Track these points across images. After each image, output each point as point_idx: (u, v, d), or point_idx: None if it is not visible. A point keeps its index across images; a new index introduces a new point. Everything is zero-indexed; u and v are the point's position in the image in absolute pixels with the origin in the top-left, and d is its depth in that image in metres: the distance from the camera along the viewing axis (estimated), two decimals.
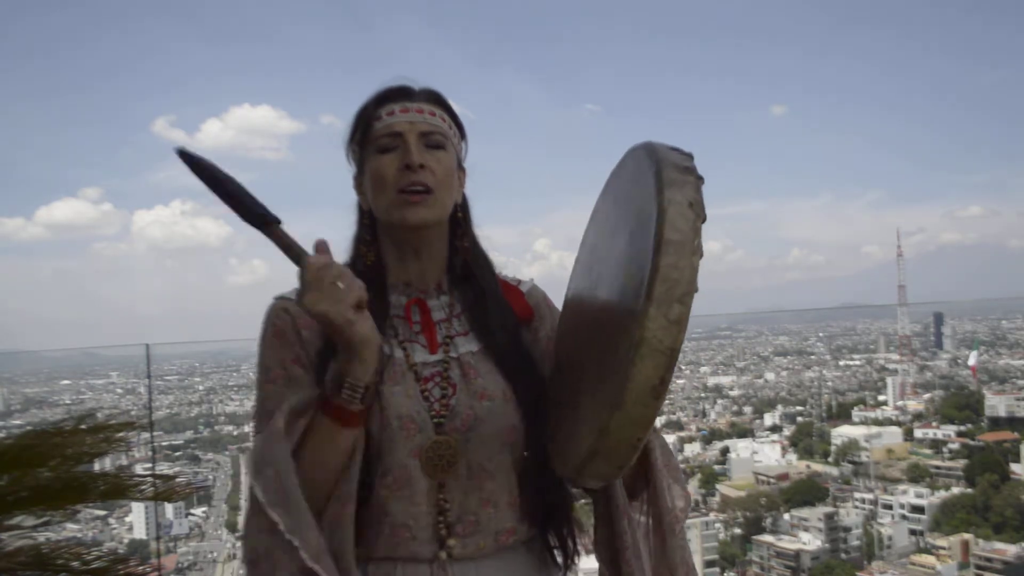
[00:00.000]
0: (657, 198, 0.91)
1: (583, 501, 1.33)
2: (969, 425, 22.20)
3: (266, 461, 1.04)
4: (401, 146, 1.19)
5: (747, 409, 27.60)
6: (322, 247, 1.08)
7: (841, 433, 24.24)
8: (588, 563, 1.33)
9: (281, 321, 1.20)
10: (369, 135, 1.21)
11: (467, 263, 1.29)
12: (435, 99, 1.25)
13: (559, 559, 1.28)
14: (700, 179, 0.94)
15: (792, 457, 25.18)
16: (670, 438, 25.48)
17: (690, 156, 0.97)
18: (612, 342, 0.98)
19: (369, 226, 1.26)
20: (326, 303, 1.01)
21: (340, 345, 1.05)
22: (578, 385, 1.09)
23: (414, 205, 1.18)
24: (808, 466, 24.62)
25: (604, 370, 0.98)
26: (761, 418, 26.96)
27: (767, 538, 23.19)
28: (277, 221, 1.09)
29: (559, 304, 1.35)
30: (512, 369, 1.23)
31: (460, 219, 1.28)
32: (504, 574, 1.18)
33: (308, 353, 1.18)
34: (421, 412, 1.16)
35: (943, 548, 20.25)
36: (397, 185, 1.18)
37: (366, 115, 1.23)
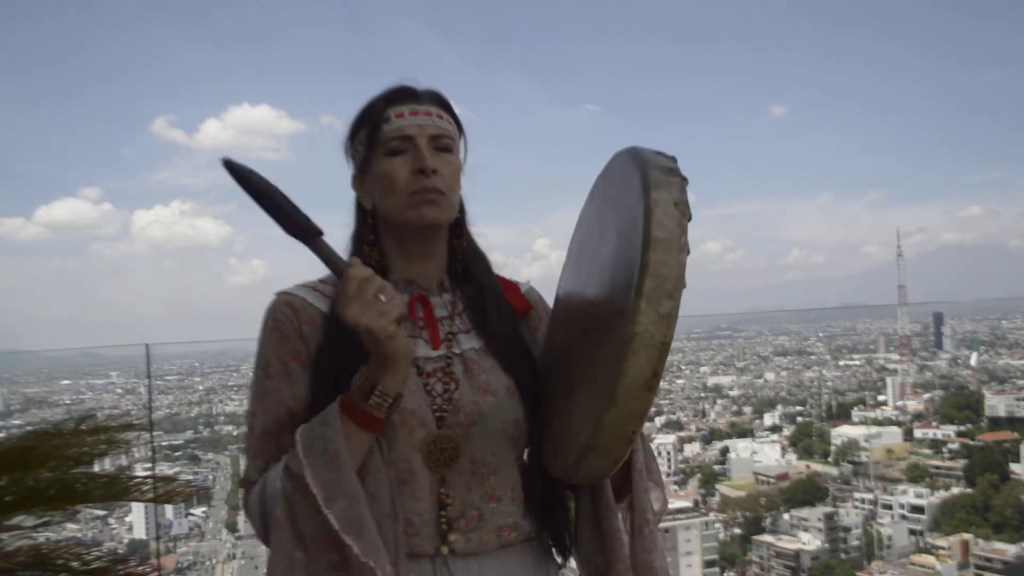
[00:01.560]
0: (644, 199, 0.94)
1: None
2: (969, 425, 22.22)
3: (338, 490, 1.03)
4: (412, 149, 1.20)
5: (747, 409, 27.62)
6: (357, 263, 1.08)
7: (841, 433, 24.26)
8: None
9: (283, 316, 1.21)
10: (377, 136, 1.22)
11: (466, 261, 1.30)
12: (440, 101, 1.26)
13: (557, 556, 1.28)
14: (684, 180, 0.97)
15: (792, 457, 25.21)
16: (670, 438, 25.53)
17: (673, 159, 1.00)
18: (603, 339, 0.99)
19: (371, 225, 1.27)
20: (369, 316, 1.02)
21: (377, 356, 1.05)
22: (569, 383, 1.11)
23: (429, 204, 1.19)
24: (808, 466, 24.64)
25: (596, 366, 1.00)
26: (761, 418, 26.98)
27: (767, 538, 23.21)
28: (320, 233, 1.09)
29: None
30: (514, 365, 1.24)
31: (458, 219, 1.29)
32: (506, 570, 1.18)
33: (308, 349, 1.19)
34: (423, 407, 1.16)
35: (943, 548, 20.27)
36: (409, 188, 1.19)
37: (374, 116, 1.23)
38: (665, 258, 0.91)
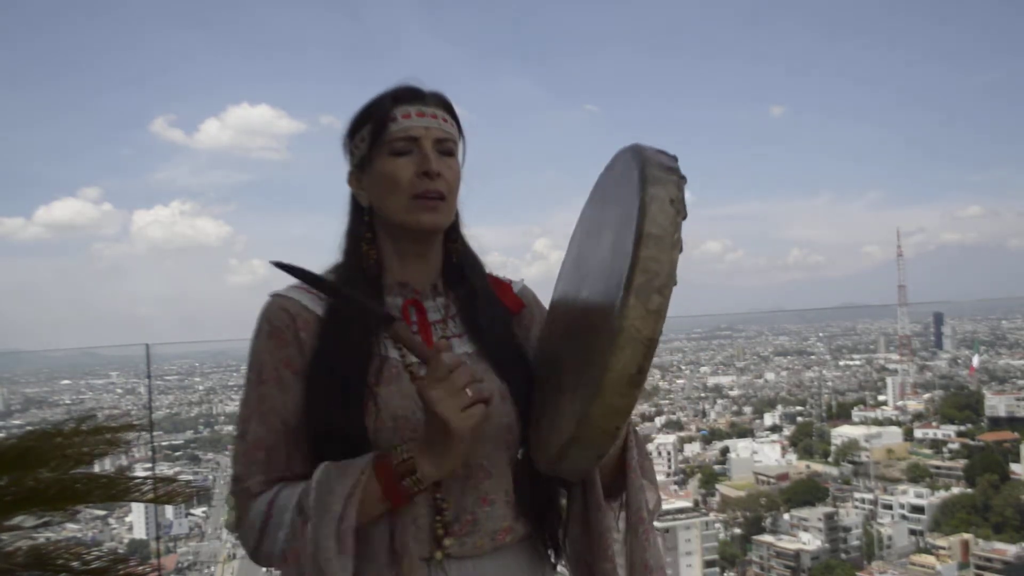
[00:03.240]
0: (640, 194, 0.94)
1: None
2: (969, 425, 22.21)
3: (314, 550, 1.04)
4: (416, 151, 1.20)
5: (747, 409, 27.61)
6: (445, 346, 1.08)
7: (841, 433, 24.25)
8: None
9: (279, 320, 1.20)
10: (383, 135, 1.21)
11: (460, 264, 1.30)
12: (444, 104, 1.26)
13: (552, 557, 1.28)
14: (683, 179, 0.97)
15: (792, 457, 25.20)
16: (670, 438, 25.54)
17: (674, 158, 1.01)
18: (593, 334, 1.00)
19: (368, 223, 1.26)
20: (450, 408, 1.02)
21: (434, 442, 1.05)
22: (560, 377, 1.11)
23: (431, 210, 1.20)
24: (808, 466, 24.63)
25: (585, 361, 1.00)
26: (761, 418, 26.97)
27: (767, 538, 23.19)
28: (395, 319, 1.10)
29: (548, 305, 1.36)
30: (507, 369, 1.24)
31: (453, 222, 1.29)
32: (501, 571, 1.18)
33: (303, 354, 1.19)
34: (416, 412, 1.15)
35: (943, 548, 20.25)
36: (412, 190, 1.19)
37: (380, 113, 1.22)
38: (657, 254, 0.91)
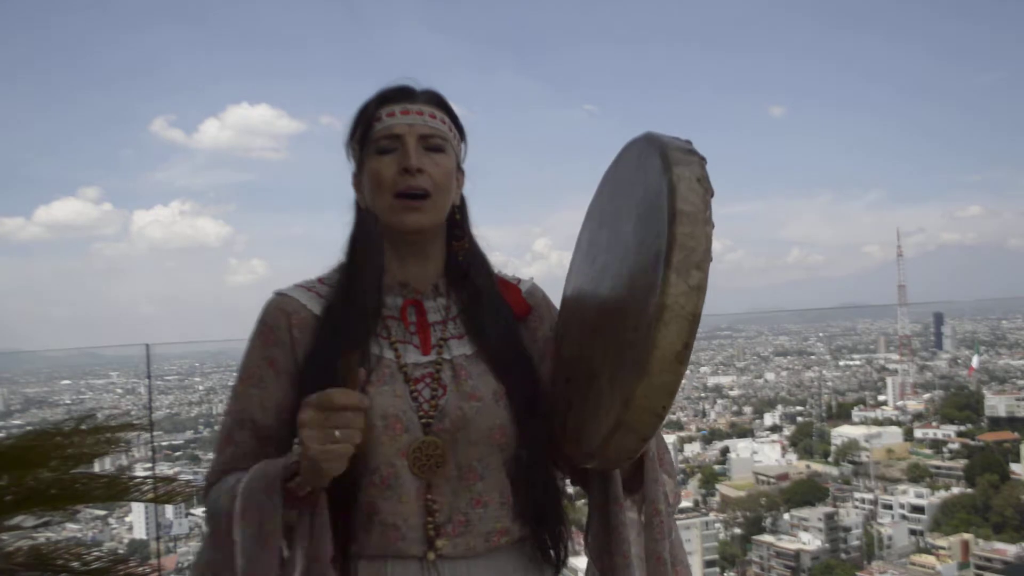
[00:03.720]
0: (666, 174, 0.95)
1: (581, 500, 1.33)
2: (969, 425, 22.20)
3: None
4: (400, 148, 1.19)
5: (747, 409, 27.60)
6: (355, 380, 1.02)
7: (841, 433, 24.24)
8: (579, 562, 1.32)
9: (272, 319, 1.21)
10: (369, 135, 1.21)
11: (464, 264, 1.29)
12: (436, 100, 1.25)
13: (551, 558, 1.27)
14: (703, 159, 0.98)
15: (792, 457, 25.19)
16: (670, 438, 25.50)
17: (689, 142, 1.01)
18: (629, 317, 0.99)
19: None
20: (311, 438, 0.98)
21: (305, 462, 1.02)
22: (590, 370, 1.10)
23: (411, 211, 1.19)
24: (808, 466, 24.62)
25: (623, 344, 0.99)
26: (761, 418, 26.96)
27: (767, 538, 23.18)
28: (350, 352, 1.05)
29: (558, 304, 1.35)
30: (505, 370, 1.23)
31: (458, 220, 1.29)
32: (496, 573, 1.18)
33: (294, 353, 1.19)
34: (408, 412, 1.16)
35: (943, 548, 20.24)
36: (395, 188, 1.18)
37: (367, 115, 1.23)
38: (692, 230, 0.91)
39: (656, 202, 0.96)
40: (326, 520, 1.08)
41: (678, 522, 1.28)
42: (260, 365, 1.20)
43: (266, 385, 1.19)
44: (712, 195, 0.94)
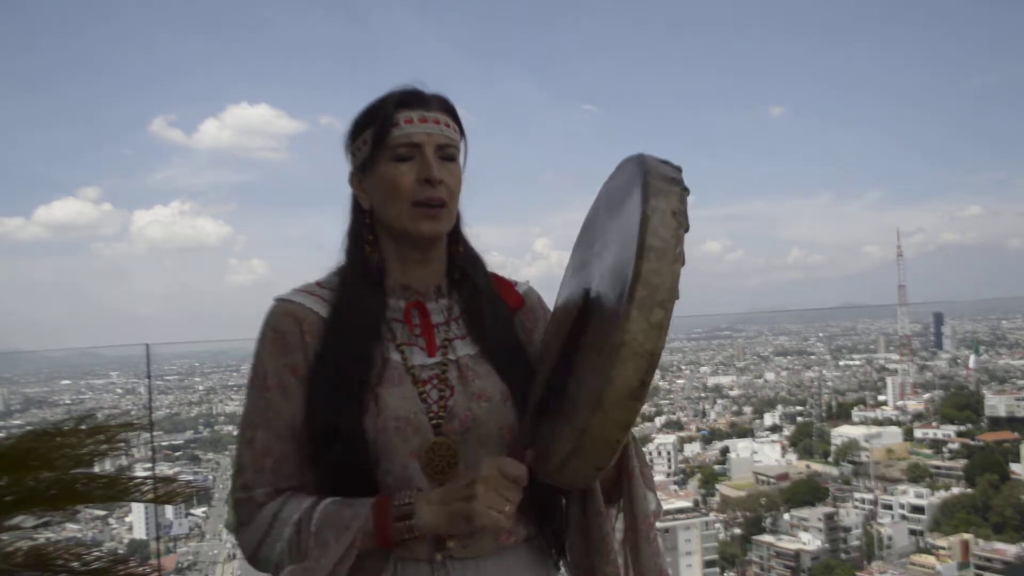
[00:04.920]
0: (642, 206, 0.93)
1: None
2: (969, 425, 22.22)
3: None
4: (418, 157, 1.20)
5: (747, 409, 27.63)
6: (524, 460, 1.08)
7: (841, 433, 24.26)
8: None
9: (283, 326, 1.20)
10: (385, 139, 1.21)
11: (462, 265, 1.30)
12: (447, 108, 1.26)
13: (555, 557, 1.28)
14: (686, 190, 0.96)
15: (792, 457, 25.21)
16: (670, 438, 25.55)
17: (678, 169, 1.00)
18: (596, 345, 0.99)
19: (369, 225, 1.26)
20: (487, 500, 1.04)
21: (441, 510, 1.07)
22: (564, 386, 1.10)
23: (429, 219, 1.20)
24: (808, 466, 24.64)
25: (587, 371, 1.00)
26: (761, 418, 26.99)
27: (767, 538, 23.20)
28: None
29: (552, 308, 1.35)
30: (509, 370, 1.24)
31: (456, 222, 1.29)
32: (504, 573, 1.18)
33: (308, 357, 1.19)
34: (418, 414, 1.16)
35: (943, 548, 20.26)
36: (413, 197, 1.19)
37: (382, 117, 1.22)
38: (658, 267, 0.90)
39: (630, 233, 0.95)
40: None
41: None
42: (282, 373, 1.19)
43: (292, 393, 1.18)
44: (686, 230, 0.93)
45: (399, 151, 1.20)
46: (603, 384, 0.91)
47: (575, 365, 1.09)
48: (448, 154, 1.22)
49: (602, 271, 1.07)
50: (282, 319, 1.21)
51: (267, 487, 1.17)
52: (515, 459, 1.08)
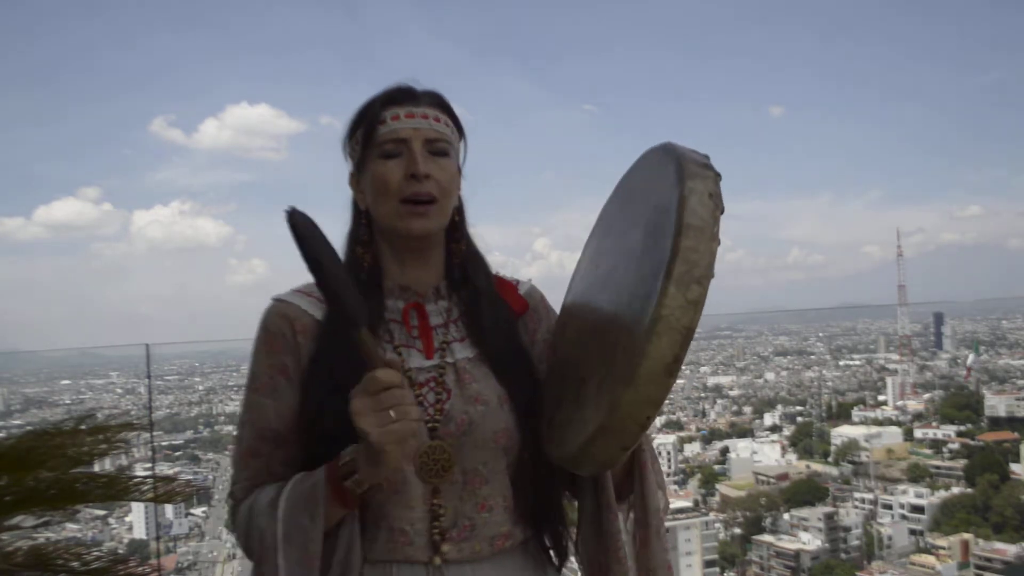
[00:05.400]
0: (678, 186, 0.95)
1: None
2: (969, 425, 22.24)
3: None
4: (405, 153, 1.18)
5: (747, 409, 27.66)
6: (395, 364, 1.04)
7: (841, 433, 24.29)
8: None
9: (276, 327, 1.20)
10: (373, 138, 1.20)
11: (463, 265, 1.28)
12: (439, 102, 1.24)
13: (554, 560, 1.27)
14: (718, 175, 0.98)
15: (792, 457, 25.24)
16: (670, 438, 25.56)
17: (707, 156, 1.02)
18: (625, 324, 0.99)
19: (366, 226, 1.25)
20: (370, 423, 0.99)
21: (366, 453, 1.03)
22: (580, 374, 1.10)
23: (418, 216, 1.18)
24: (808, 466, 24.67)
25: (615, 350, 0.99)
26: (761, 418, 27.02)
27: (767, 538, 23.22)
28: (361, 324, 1.03)
29: (557, 306, 1.34)
30: (507, 373, 1.22)
31: (457, 222, 1.27)
32: (500, 575, 1.18)
33: (301, 359, 1.18)
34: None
35: (943, 548, 20.28)
36: (401, 194, 1.17)
37: (370, 116, 1.21)
38: (696, 244, 0.91)
39: (666, 212, 0.95)
40: (357, 529, 1.09)
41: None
42: (271, 374, 1.18)
43: (280, 394, 1.17)
44: (722, 212, 0.95)
45: (386, 147, 1.18)
46: (637, 359, 0.91)
47: (594, 348, 1.08)
48: (438, 149, 1.20)
49: (627, 256, 1.08)
50: (274, 320, 1.20)
51: (245, 483, 1.18)
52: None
